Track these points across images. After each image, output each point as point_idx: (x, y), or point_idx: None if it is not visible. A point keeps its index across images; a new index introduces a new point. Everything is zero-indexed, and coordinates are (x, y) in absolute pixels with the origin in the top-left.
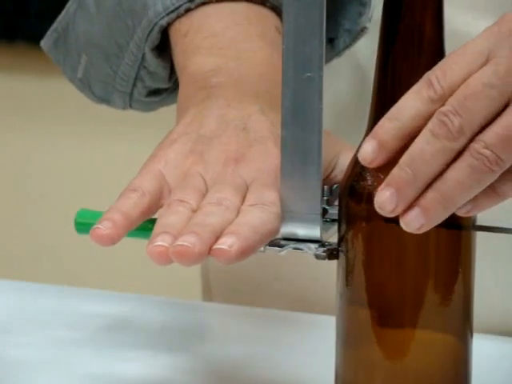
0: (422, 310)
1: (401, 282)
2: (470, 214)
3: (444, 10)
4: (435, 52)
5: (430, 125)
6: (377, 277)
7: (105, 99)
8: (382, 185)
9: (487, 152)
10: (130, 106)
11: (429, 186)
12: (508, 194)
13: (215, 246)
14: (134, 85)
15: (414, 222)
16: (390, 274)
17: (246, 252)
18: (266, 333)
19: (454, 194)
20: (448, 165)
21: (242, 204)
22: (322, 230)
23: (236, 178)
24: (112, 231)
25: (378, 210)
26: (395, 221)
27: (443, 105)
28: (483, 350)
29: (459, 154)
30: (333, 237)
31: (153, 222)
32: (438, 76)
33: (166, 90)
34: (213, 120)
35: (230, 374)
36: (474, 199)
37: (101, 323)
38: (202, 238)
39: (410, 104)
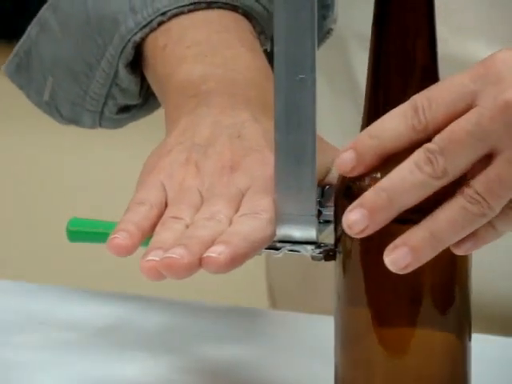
0: (420, 310)
1: (398, 281)
2: (469, 252)
3: (436, 26)
4: (425, 71)
5: (415, 156)
6: (374, 277)
7: (73, 120)
8: (353, 204)
9: (479, 197)
10: (100, 125)
11: (416, 224)
12: (507, 230)
13: (204, 255)
14: (105, 103)
15: (400, 261)
16: (387, 274)
17: (236, 260)
18: (267, 333)
19: (445, 234)
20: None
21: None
22: (319, 231)
23: (231, 188)
24: (129, 241)
25: (345, 228)
26: (392, 220)
27: (428, 138)
28: (482, 350)
29: (443, 191)
30: (328, 238)
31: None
32: (423, 105)
33: (135, 106)
34: (206, 128)
35: (231, 374)
36: (474, 236)
37: (100, 324)
38: (191, 250)
39: (393, 125)
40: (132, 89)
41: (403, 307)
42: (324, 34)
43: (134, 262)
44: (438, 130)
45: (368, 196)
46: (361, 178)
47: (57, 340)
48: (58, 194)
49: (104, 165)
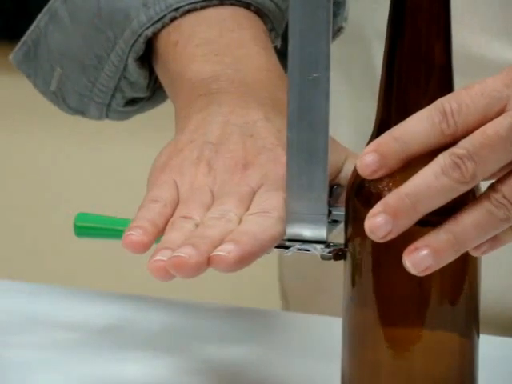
0: (430, 311)
1: (407, 282)
2: (485, 254)
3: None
4: (440, 71)
5: (441, 161)
6: (384, 277)
7: (80, 111)
8: (376, 208)
9: (505, 201)
10: (107, 117)
11: (438, 227)
12: None
13: (213, 253)
14: (113, 95)
15: (420, 263)
16: (397, 275)
17: (245, 259)
18: (269, 333)
19: (468, 237)
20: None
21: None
22: (328, 230)
23: (242, 187)
24: (144, 238)
25: (368, 233)
26: None
27: (455, 142)
28: (490, 350)
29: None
30: (337, 237)
31: None
32: (453, 109)
33: (142, 98)
34: (217, 126)
35: (231, 374)
36: (494, 238)
37: (100, 324)
38: (199, 249)
39: (419, 129)
40: (140, 82)
41: (412, 307)
42: (335, 31)
43: (135, 262)
44: (466, 135)
45: (391, 201)
46: (375, 179)
47: (57, 340)
48: (59, 194)
49: (110, 159)
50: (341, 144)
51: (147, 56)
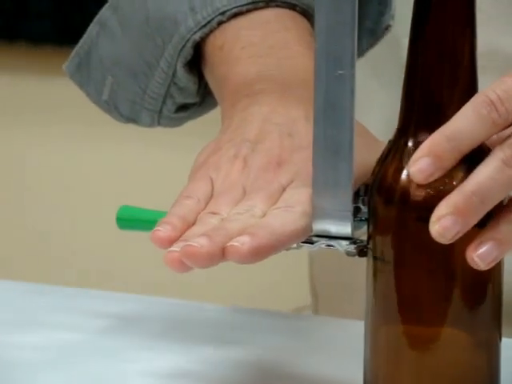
0: (452, 310)
1: (429, 282)
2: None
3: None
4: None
5: (500, 154)
6: (404, 276)
7: (132, 118)
8: (441, 211)
9: None
10: (159, 123)
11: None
12: None
13: (227, 244)
14: (164, 102)
15: (488, 256)
16: (418, 274)
17: (260, 251)
18: (270, 334)
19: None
20: None
21: None
22: (355, 227)
23: (273, 184)
24: (171, 234)
25: (436, 237)
26: (421, 219)
27: (503, 129)
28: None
29: None
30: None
31: None
32: (500, 96)
33: (193, 104)
34: (256, 125)
35: (232, 374)
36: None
37: (100, 324)
38: (213, 239)
39: (469, 125)
40: (190, 88)
41: (434, 306)
42: (382, 30)
43: (134, 262)
44: None
45: (459, 201)
46: (392, 175)
47: (57, 340)
48: (59, 195)
49: (110, 159)
50: (378, 140)
51: (196, 61)
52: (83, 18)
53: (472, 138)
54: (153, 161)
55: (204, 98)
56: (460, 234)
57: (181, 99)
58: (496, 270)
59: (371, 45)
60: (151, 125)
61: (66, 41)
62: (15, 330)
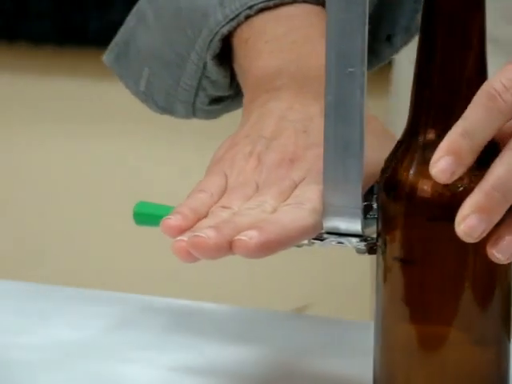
0: (461, 309)
1: (439, 281)
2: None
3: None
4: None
5: None
6: (413, 273)
7: (167, 110)
8: (465, 210)
9: None
10: (194, 115)
11: None
12: None
13: (235, 238)
14: (196, 94)
15: (508, 250)
16: (427, 273)
17: (267, 246)
18: (271, 334)
19: None
20: None
21: None
22: (366, 225)
23: (284, 180)
24: (182, 223)
25: (463, 236)
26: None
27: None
28: None
29: None
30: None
31: None
32: (505, 84)
33: (227, 97)
34: (273, 122)
35: (232, 374)
36: None
37: (101, 324)
38: (221, 232)
39: (480, 119)
40: (221, 81)
41: (443, 306)
42: (416, 27)
43: (135, 262)
44: None
45: (481, 199)
46: (400, 172)
47: (57, 340)
48: (59, 194)
49: (110, 158)
50: (392, 134)
51: (227, 55)
52: (83, 18)
53: (484, 130)
54: (155, 160)
55: (237, 92)
56: (486, 232)
57: (213, 92)
58: (504, 272)
59: (405, 42)
60: (186, 116)
61: (66, 41)
62: (15, 330)
